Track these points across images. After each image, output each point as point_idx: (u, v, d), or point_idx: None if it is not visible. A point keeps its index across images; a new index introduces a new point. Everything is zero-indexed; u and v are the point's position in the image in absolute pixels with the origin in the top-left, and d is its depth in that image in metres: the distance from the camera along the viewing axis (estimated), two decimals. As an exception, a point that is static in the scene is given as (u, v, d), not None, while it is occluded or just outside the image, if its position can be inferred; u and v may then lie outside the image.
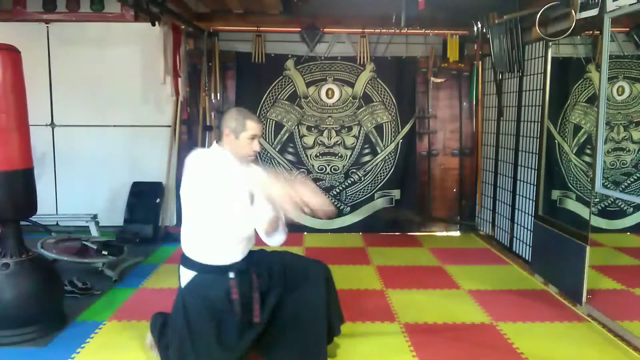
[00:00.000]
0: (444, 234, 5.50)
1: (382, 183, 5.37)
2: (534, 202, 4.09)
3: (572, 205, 4.76)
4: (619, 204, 4.94)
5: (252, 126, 2.32)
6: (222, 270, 2.32)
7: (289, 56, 5.21)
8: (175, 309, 2.32)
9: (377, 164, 5.34)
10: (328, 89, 5.28)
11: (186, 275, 2.34)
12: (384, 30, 5.07)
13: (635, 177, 4.98)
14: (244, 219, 2.36)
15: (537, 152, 4.05)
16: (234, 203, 2.29)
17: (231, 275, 2.31)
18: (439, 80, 5.29)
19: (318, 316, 2.38)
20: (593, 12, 3.14)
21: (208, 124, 5.18)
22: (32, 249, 2.97)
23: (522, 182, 4.37)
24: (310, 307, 2.37)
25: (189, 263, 2.34)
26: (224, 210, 2.26)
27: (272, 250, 2.58)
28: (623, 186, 4.98)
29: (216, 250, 2.33)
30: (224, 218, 2.28)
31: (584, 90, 4.76)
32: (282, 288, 2.38)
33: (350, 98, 5.28)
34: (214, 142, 2.42)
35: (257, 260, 2.46)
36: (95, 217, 4.90)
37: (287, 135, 5.30)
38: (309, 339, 2.39)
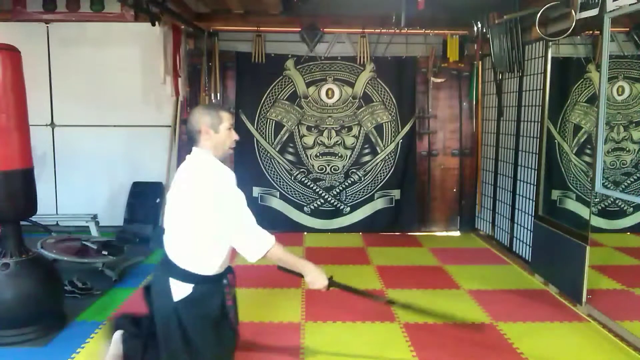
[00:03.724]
0: (444, 234, 5.49)
1: (382, 183, 5.37)
2: (534, 202, 4.09)
3: (572, 205, 4.76)
4: (619, 204, 4.94)
5: (227, 116, 2.27)
6: (218, 278, 2.29)
7: (289, 56, 5.21)
8: (165, 325, 2.21)
9: (377, 164, 5.34)
10: (328, 89, 5.27)
11: (180, 289, 2.21)
12: (384, 30, 5.07)
13: (635, 177, 4.98)
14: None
15: (537, 152, 4.05)
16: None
17: (225, 282, 2.29)
18: (439, 80, 5.28)
19: None
20: (593, 12, 3.14)
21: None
22: (32, 249, 2.97)
23: (522, 182, 4.37)
24: None
25: (185, 275, 2.21)
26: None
27: None
28: (623, 186, 4.98)
29: (217, 260, 2.27)
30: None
31: (584, 90, 4.76)
32: None
33: (350, 98, 5.27)
34: (193, 148, 2.29)
35: None
36: (95, 217, 4.91)
37: (287, 135, 5.29)
38: None
